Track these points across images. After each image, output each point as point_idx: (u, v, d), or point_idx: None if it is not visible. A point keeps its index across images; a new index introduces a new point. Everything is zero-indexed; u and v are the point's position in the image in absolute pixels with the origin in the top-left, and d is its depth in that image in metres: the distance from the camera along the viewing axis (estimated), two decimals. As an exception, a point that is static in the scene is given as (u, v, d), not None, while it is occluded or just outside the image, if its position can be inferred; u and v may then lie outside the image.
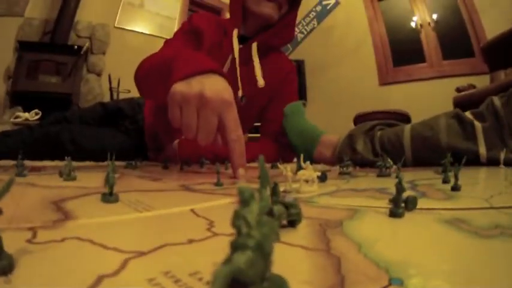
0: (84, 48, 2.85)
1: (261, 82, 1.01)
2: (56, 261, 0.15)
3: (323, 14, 3.91)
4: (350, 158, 0.81)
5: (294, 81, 1.18)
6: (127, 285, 0.13)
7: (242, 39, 1.06)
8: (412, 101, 3.10)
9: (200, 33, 1.03)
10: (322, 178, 0.50)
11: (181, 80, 0.54)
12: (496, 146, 0.76)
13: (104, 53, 3.15)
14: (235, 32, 1.04)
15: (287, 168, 0.40)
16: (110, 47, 3.17)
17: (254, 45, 1.05)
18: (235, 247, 0.09)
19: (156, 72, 0.71)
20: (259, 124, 1.21)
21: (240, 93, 1.02)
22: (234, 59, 1.04)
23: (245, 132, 1.28)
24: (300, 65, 3.70)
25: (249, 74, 1.05)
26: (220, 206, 0.31)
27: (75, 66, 2.81)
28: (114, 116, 1.23)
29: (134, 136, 1.14)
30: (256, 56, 1.04)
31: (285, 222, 0.23)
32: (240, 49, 1.04)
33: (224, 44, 1.04)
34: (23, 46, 2.67)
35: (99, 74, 3.10)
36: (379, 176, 0.59)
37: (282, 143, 1.10)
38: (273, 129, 1.12)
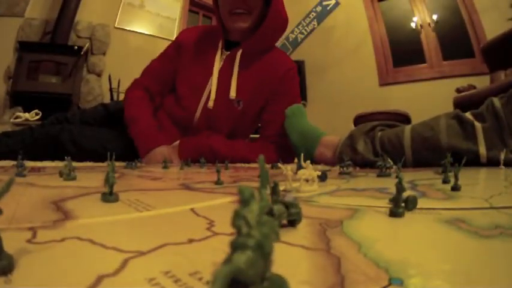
0: (85, 49, 2.85)
1: (232, 94, 1.06)
2: (56, 261, 0.15)
3: (323, 14, 3.91)
4: (351, 158, 0.81)
5: (293, 79, 1.16)
6: (127, 285, 0.13)
7: (233, 44, 1.10)
8: (412, 101, 3.09)
9: (182, 47, 1.13)
10: (322, 178, 0.50)
11: (143, 156, 1.02)
12: (496, 146, 0.76)
13: (104, 54, 3.15)
14: (219, 45, 1.09)
15: (287, 168, 0.40)
16: (110, 47, 3.17)
17: (238, 54, 1.07)
18: (235, 247, 0.09)
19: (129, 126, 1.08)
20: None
21: (211, 104, 1.07)
22: (224, 66, 1.08)
23: (247, 136, 1.27)
24: (300, 66, 3.70)
25: (240, 80, 1.07)
26: (221, 205, 0.31)
27: (76, 67, 2.81)
28: (115, 117, 1.23)
29: None
30: (237, 66, 1.07)
31: (285, 221, 0.23)
32: (227, 56, 1.09)
33: (213, 52, 1.09)
34: (23, 46, 2.67)
35: (99, 75, 3.10)
36: (379, 176, 0.59)
37: (281, 144, 1.10)
38: (272, 131, 1.12)
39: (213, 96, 1.06)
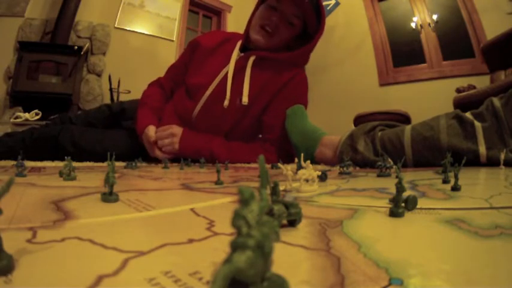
0: (85, 49, 2.84)
1: (244, 99, 1.08)
2: (56, 261, 0.15)
3: (323, 14, 3.91)
4: (351, 158, 0.81)
5: (298, 85, 1.15)
6: (127, 285, 0.13)
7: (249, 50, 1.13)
8: (412, 101, 3.09)
9: (198, 45, 1.19)
10: (323, 178, 0.50)
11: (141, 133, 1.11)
12: (496, 145, 0.76)
13: (104, 54, 3.14)
14: (237, 45, 1.13)
15: (287, 168, 0.40)
16: (110, 47, 3.17)
17: (251, 59, 1.10)
18: (235, 247, 0.09)
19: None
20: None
21: (226, 102, 1.09)
22: (235, 68, 1.10)
23: (245, 139, 1.28)
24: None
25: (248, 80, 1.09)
26: (221, 205, 0.31)
27: (76, 67, 2.81)
28: (118, 117, 1.24)
29: (135, 136, 1.14)
30: (249, 70, 1.09)
31: (285, 221, 0.23)
32: (240, 57, 1.11)
33: (228, 52, 1.13)
34: (23, 46, 2.67)
35: (99, 75, 3.10)
36: (379, 176, 0.59)
37: (281, 147, 1.11)
38: (273, 135, 1.12)
39: (228, 95, 1.08)
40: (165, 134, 1.05)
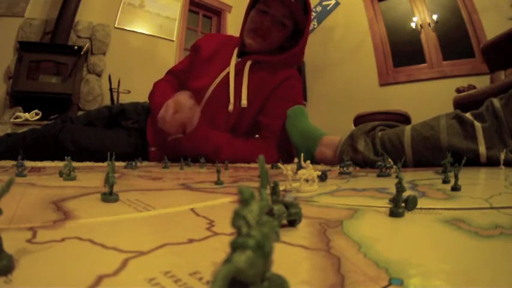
0: (85, 49, 2.84)
1: (243, 102, 1.11)
2: (56, 261, 0.15)
3: (323, 14, 3.91)
4: (351, 157, 0.81)
5: (292, 86, 1.16)
6: (127, 285, 0.13)
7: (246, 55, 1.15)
8: (412, 101, 3.09)
9: (199, 48, 1.23)
10: (322, 178, 0.50)
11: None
12: (496, 145, 0.76)
13: (104, 54, 3.14)
14: (235, 52, 1.16)
15: (287, 168, 0.40)
16: (110, 47, 3.17)
17: (248, 64, 1.12)
18: (235, 247, 0.09)
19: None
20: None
21: (230, 107, 1.11)
22: (235, 69, 1.12)
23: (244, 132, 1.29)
24: (300, 66, 3.70)
25: (242, 84, 1.12)
26: (221, 205, 0.31)
27: (76, 67, 2.81)
28: (118, 117, 1.25)
29: (135, 135, 1.14)
30: (247, 75, 1.12)
31: (285, 221, 0.23)
32: (238, 62, 1.14)
33: (227, 57, 1.16)
34: (23, 46, 2.66)
35: (99, 75, 3.10)
36: (379, 176, 0.59)
37: (280, 146, 1.11)
38: (270, 135, 1.13)
39: (232, 100, 1.10)
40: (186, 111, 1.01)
